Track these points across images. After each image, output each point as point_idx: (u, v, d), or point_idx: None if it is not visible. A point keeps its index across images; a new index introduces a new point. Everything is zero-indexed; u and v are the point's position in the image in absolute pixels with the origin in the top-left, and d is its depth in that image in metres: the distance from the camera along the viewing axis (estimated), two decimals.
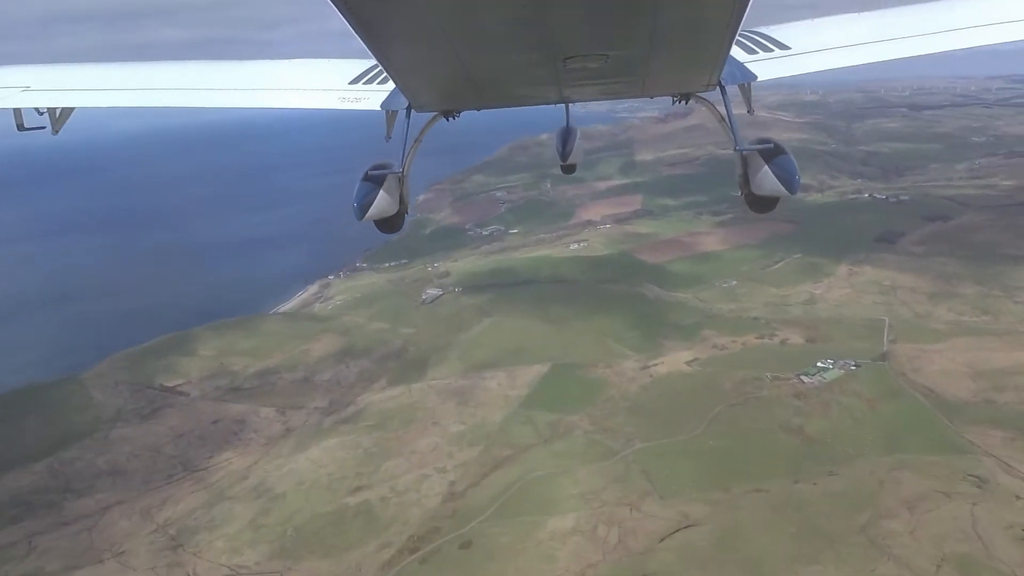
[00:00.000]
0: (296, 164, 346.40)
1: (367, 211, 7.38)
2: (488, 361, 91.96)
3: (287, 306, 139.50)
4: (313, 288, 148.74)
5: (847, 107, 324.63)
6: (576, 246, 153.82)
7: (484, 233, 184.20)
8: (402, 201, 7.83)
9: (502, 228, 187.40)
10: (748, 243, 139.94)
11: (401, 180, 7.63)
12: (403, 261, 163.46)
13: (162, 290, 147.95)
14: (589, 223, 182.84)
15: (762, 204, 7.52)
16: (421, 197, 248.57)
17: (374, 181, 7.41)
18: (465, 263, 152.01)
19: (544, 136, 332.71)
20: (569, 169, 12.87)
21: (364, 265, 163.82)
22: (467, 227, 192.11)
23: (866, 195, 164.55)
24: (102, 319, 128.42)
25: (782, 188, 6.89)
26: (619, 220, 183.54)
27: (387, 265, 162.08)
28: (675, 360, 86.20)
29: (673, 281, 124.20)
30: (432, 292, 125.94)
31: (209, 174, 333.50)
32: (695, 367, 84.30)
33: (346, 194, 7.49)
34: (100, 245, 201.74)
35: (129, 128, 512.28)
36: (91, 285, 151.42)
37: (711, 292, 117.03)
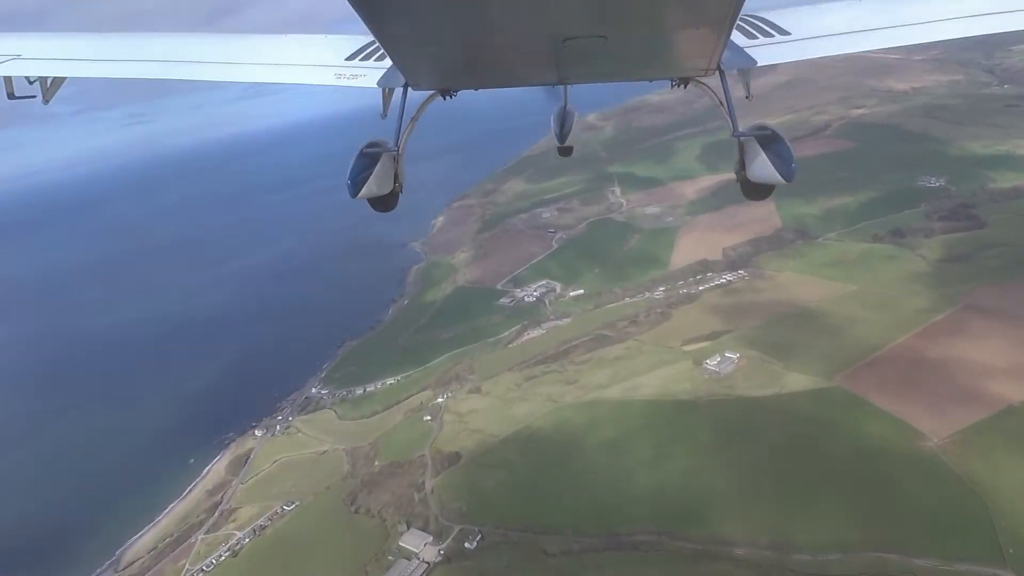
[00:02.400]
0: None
1: (360, 189, 7.00)
2: None
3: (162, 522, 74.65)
4: (222, 462, 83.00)
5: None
6: (713, 363, 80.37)
7: (525, 299, 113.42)
8: (396, 180, 7.41)
9: (554, 286, 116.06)
10: None
11: (396, 159, 7.31)
12: (380, 385, 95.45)
13: None
14: (704, 269, 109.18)
15: (757, 191, 7.49)
16: (438, 221, 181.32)
17: (369, 159, 7.06)
18: (484, 406, 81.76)
19: (591, 116, 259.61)
20: (566, 151, 12.79)
21: (322, 393, 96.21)
22: (499, 285, 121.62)
23: None
24: None
25: (778, 175, 6.79)
26: (754, 256, 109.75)
27: (353, 394, 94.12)
28: None
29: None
30: (406, 548, 58.63)
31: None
32: None
33: None
34: None
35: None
36: None
37: None
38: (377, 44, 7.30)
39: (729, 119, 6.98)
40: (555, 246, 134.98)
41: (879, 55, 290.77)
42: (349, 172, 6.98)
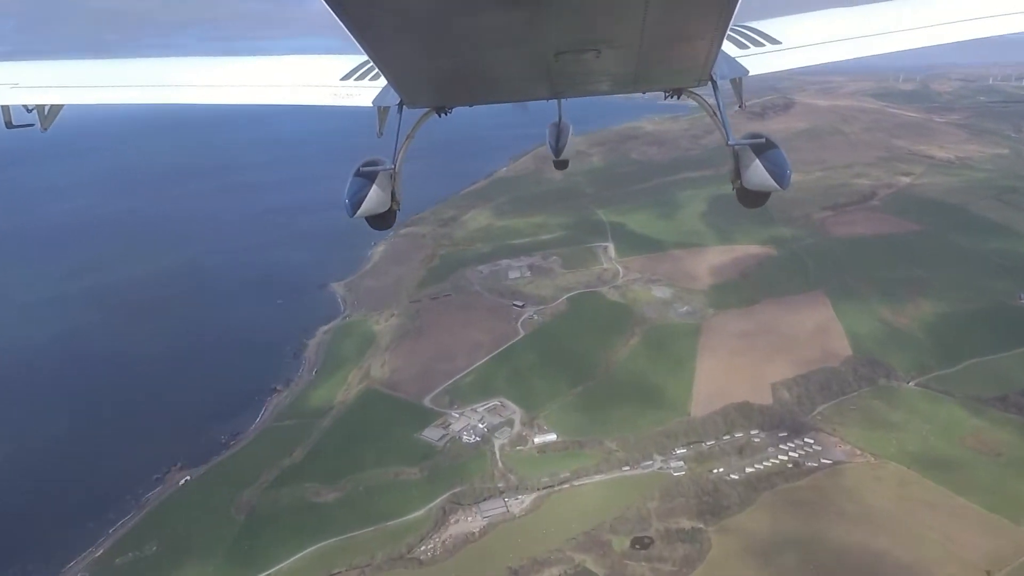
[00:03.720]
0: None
1: (359, 208, 6.93)
2: None
3: None
4: None
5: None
6: None
7: (463, 436, 71.91)
8: (394, 198, 7.33)
9: (511, 414, 75.08)
10: None
11: (393, 176, 7.26)
12: None
13: None
14: (746, 421, 70.45)
15: (753, 199, 7.41)
16: (376, 251, 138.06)
17: (366, 177, 6.99)
18: None
19: (578, 140, 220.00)
20: (562, 165, 12.47)
21: None
22: (427, 399, 79.66)
23: None
24: None
25: (773, 182, 6.66)
26: (819, 406, 71.97)
27: None
28: None
29: None
30: None
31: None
32: None
33: None
34: None
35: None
36: None
37: None
38: (372, 64, 7.22)
39: (723, 128, 6.86)
40: (521, 332, 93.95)
41: (905, 113, 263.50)
42: (347, 192, 6.83)
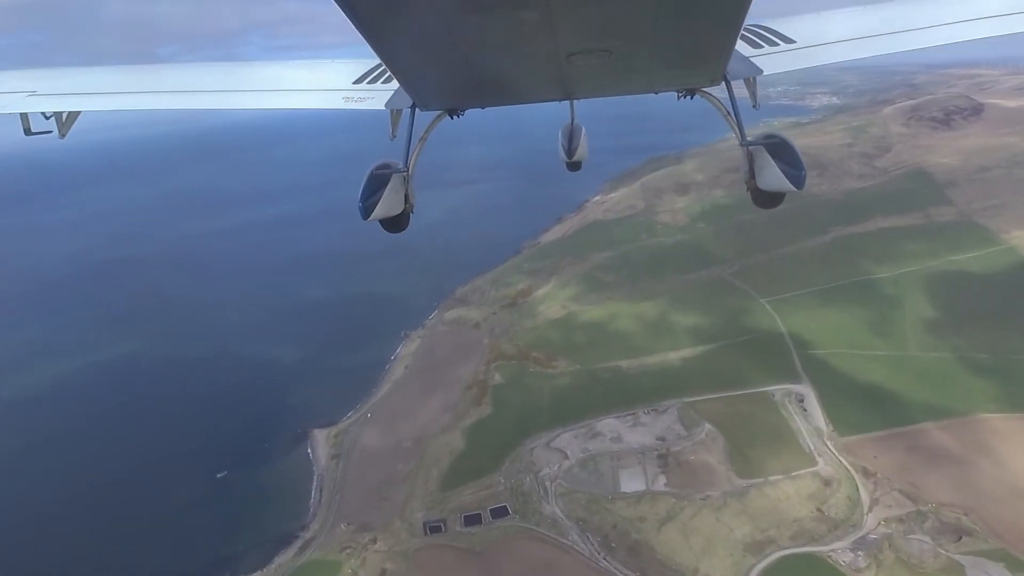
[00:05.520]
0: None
1: (372, 211, 6.93)
2: None
3: None
4: None
5: None
6: None
7: None
8: (407, 200, 7.35)
9: None
10: None
11: (406, 179, 7.28)
12: None
13: None
14: None
15: (768, 199, 7.30)
16: (394, 371, 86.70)
17: (379, 180, 7.04)
18: None
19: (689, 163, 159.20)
20: (574, 167, 12.09)
21: None
22: None
23: None
24: None
25: (788, 183, 6.67)
26: None
27: None
28: None
29: None
30: None
31: None
32: None
33: None
34: None
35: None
36: None
37: None
38: (384, 67, 7.36)
39: (736, 129, 6.93)
40: None
41: None
42: (360, 194, 6.86)
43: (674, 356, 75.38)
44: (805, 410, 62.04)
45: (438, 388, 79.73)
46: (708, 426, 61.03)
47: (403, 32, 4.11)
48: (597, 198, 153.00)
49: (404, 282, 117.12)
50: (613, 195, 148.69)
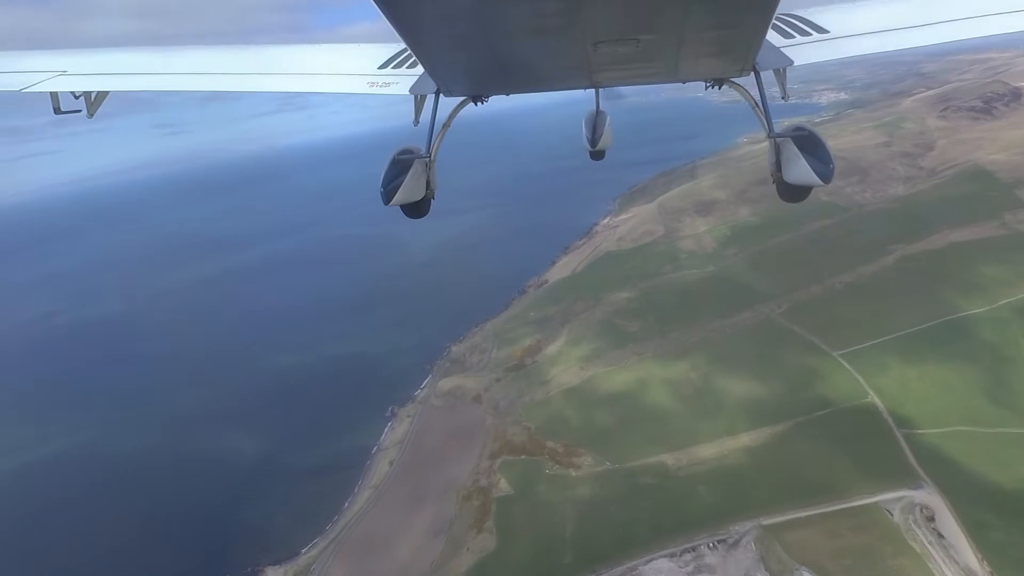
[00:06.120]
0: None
1: (394, 196, 6.88)
2: None
3: None
4: None
5: None
6: None
7: None
8: (429, 186, 7.32)
9: None
10: None
11: (428, 165, 7.24)
12: None
13: None
14: None
15: (794, 193, 7.19)
16: (375, 471, 67.60)
17: (401, 166, 7.00)
18: None
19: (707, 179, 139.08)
20: (598, 155, 11.79)
21: None
22: None
23: None
24: None
25: (816, 177, 6.48)
26: None
27: None
28: None
29: None
30: None
31: None
32: None
33: None
34: None
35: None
36: None
37: None
38: (409, 51, 7.31)
39: (764, 120, 6.84)
40: None
41: None
42: (382, 179, 6.82)
43: (733, 445, 57.26)
44: (941, 536, 43.71)
45: (428, 497, 62.02)
46: (805, 574, 42.70)
47: (429, 16, 4.12)
48: (607, 220, 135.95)
49: (391, 339, 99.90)
50: (624, 217, 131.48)
